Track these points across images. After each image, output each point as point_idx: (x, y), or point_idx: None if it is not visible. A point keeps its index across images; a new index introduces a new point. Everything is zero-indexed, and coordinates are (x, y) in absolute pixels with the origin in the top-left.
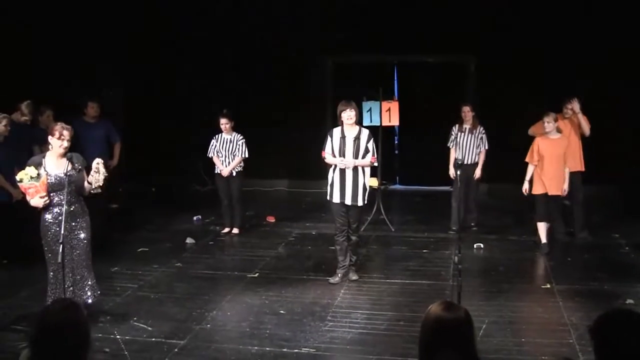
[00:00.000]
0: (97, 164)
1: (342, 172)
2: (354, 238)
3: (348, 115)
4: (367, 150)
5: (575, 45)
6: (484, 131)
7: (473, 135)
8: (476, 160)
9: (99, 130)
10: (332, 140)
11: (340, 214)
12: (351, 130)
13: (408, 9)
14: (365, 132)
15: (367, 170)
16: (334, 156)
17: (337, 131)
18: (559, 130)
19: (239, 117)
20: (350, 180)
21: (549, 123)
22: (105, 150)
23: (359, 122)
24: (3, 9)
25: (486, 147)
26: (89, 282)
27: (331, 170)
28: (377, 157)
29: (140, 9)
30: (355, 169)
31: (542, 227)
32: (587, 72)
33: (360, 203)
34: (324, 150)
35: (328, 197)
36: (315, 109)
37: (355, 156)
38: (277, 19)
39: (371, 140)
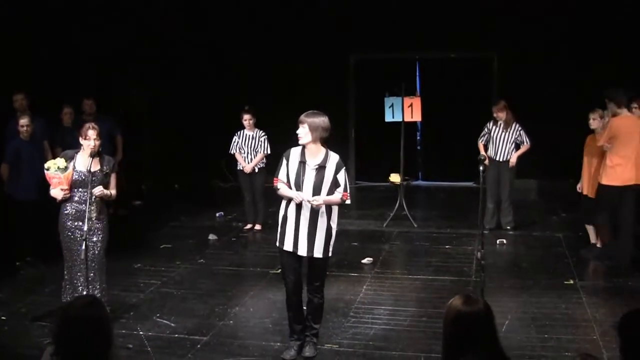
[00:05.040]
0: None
1: (298, 209)
2: (315, 300)
3: (299, 133)
4: (336, 184)
5: (602, 38)
6: (520, 128)
7: (507, 132)
8: (508, 157)
9: (101, 127)
10: (287, 164)
11: (292, 267)
12: (315, 155)
13: (429, 4)
14: (334, 159)
15: (334, 210)
16: (290, 187)
17: (295, 152)
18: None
19: (260, 115)
20: (306, 224)
21: (594, 120)
22: (109, 145)
23: (325, 143)
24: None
25: (528, 143)
26: (97, 285)
27: (283, 204)
28: (400, 154)
29: (153, 7)
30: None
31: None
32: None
33: (319, 254)
34: (277, 176)
35: (278, 243)
36: (337, 106)
37: (317, 191)
38: (297, 16)
39: (342, 170)
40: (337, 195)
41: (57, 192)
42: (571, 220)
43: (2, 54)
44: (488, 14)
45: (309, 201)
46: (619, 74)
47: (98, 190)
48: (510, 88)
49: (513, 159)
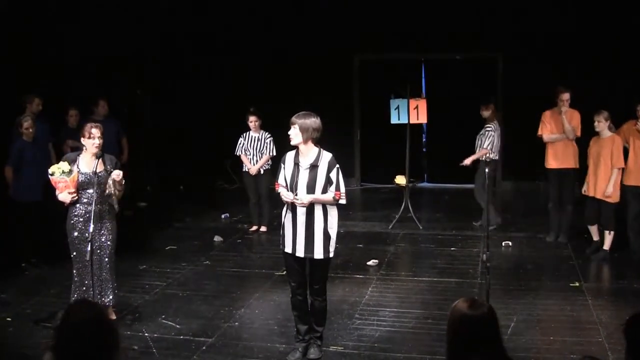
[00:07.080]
0: (116, 176)
1: (294, 212)
2: (316, 303)
3: (291, 134)
4: (329, 182)
5: (603, 38)
6: (489, 130)
7: (479, 132)
8: (490, 157)
9: (109, 128)
10: (284, 168)
11: (294, 269)
12: (307, 155)
13: (434, 4)
14: (326, 158)
15: (332, 210)
16: (288, 190)
17: (290, 155)
18: (611, 130)
19: (265, 117)
20: (302, 225)
21: (599, 122)
22: (116, 147)
23: (318, 142)
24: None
25: (483, 148)
26: (110, 285)
27: (284, 208)
28: (405, 156)
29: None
30: (310, 208)
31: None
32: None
33: (318, 255)
34: (277, 181)
35: (280, 246)
36: (342, 108)
37: (311, 190)
38: (301, 17)
39: (335, 169)
40: (329, 195)
41: (64, 196)
42: (576, 222)
43: (3, 55)
44: (492, 15)
45: (294, 199)
46: (620, 74)
47: (116, 173)
48: (514, 89)
49: (466, 160)
